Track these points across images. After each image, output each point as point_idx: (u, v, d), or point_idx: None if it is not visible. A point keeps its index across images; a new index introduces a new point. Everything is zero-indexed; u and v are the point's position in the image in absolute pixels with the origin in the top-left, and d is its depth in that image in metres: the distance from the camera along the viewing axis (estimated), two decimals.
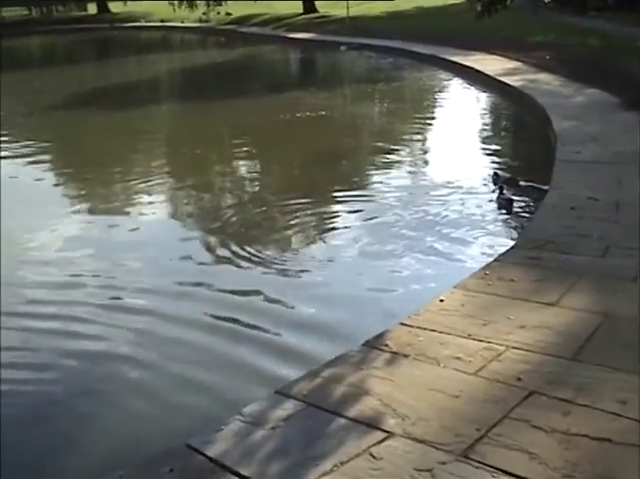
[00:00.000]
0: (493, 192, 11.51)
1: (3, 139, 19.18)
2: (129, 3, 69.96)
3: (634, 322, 5.93)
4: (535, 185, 11.47)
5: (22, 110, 23.65)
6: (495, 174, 12.62)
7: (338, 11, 46.54)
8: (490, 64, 24.16)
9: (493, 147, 15.80)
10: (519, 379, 5.14)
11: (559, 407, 4.78)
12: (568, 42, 25.32)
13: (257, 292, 8.57)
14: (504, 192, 11.23)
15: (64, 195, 13.95)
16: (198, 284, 8.96)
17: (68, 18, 66.54)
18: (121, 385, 6.87)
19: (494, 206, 11.23)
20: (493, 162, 14.11)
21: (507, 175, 12.64)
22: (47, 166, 16.10)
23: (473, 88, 23.29)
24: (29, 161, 16.24)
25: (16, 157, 16.93)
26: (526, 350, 5.55)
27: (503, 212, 10.91)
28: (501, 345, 5.65)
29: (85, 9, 70.69)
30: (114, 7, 71.23)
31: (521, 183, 12.02)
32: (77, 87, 28.70)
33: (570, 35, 27.24)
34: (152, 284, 9.04)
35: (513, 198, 11.08)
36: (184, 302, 8.49)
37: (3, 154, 17.11)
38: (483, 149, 15.40)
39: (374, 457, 4.40)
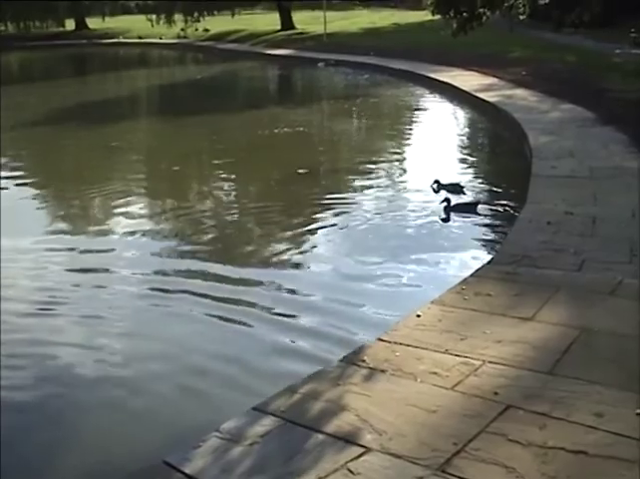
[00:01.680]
0: (442, 203, 11.63)
1: None
2: (107, 19, 69.95)
3: (610, 336, 5.98)
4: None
5: (1, 126, 23.53)
6: (437, 181, 12.81)
7: (316, 27, 46.71)
8: (467, 80, 24.31)
9: (469, 162, 15.86)
10: (496, 394, 5.16)
11: (536, 421, 4.80)
12: (545, 58, 25.52)
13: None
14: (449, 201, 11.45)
15: (39, 209, 13.86)
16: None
17: (45, 34, 66.33)
18: None
19: (470, 219, 11.31)
20: (469, 176, 14.19)
21: (452, 182, 12.99)
22: (23, 180, 15.96)
23: (449, 104, 23.43)
24: (5, 175, 16.12)
25: None
26: (503, 365, 5.57)
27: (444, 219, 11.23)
28: (478, 360, 5.67)
29: (62, 25, 70.44)
30: (91, 23, 71.01)
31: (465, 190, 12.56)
32: (55, 103, 28.59)
33: (547, 51, 27.47)
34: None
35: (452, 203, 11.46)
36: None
37: None
38: (460, 164, 15.45)
39: (352, 472, 4.41)
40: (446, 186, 12.85)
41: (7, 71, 48.95)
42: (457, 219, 11.36)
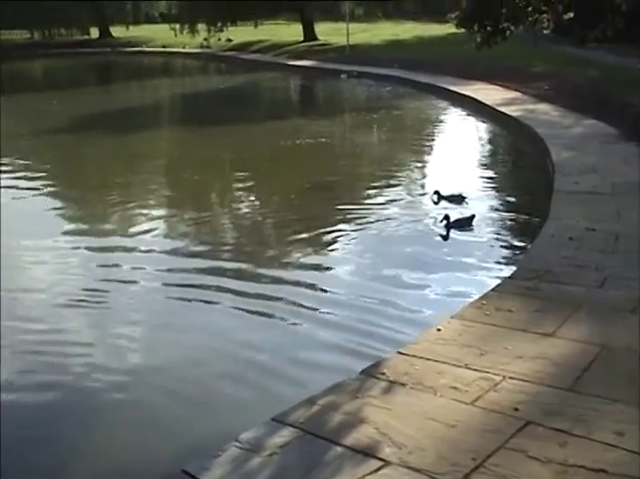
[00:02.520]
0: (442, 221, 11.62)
1: (4, 161, 19.26)
2: (130, 28, 70.24)
3: (632, 353, 5.95)
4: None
5: (24, 133, 23.67)
6: (437, 192, 12.94)
7: (338, 39, 46.76)
8: (490, 94, 24.27)
9: (492, 177, 15.83)
10: (516, 409, 5.14)
11: (556, 438, 4.78)
12: (568, 72, 25.47)
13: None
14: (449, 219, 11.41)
15: (62, 217, 13.93)
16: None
17: (70, 42, 66.60)
18: None
19: (492, 234, 11.31)
20: (492, 191, 14.19)
21: (454, 193, 13.11)
22: (46, 188, 16.05)
23: (471, 117, 23.38)
24: (29, 185, 16.22)
25: (16, 178, 16.98)
26: (523, 381, 5.56)
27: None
28: (498, 375, 5.65)
29: (87, 33, 70.84)
30: (115, 32, 71.37)
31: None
32: (79, 110, 28.72)
33: (570, 65, 27.41)
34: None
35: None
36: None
37: (5, 176, 17.13)
38: (482, 178, 15.41)
39: None
40: (446, 197, 13.02)
41: (32, 78, 49.41)
42: (479, 233, 11.36)
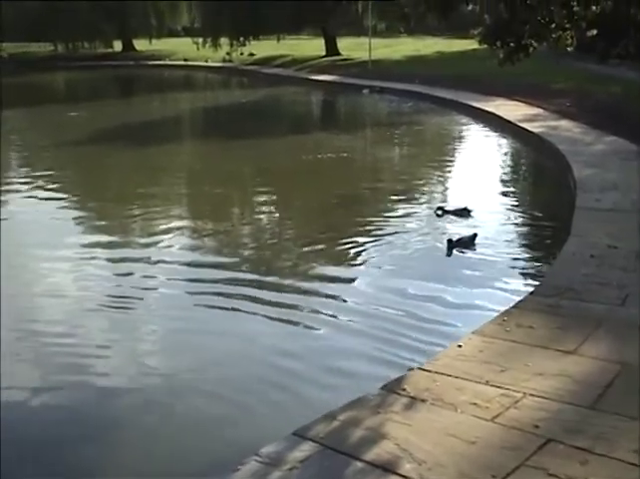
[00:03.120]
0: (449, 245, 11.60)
1: (26, 172, 19.43)
2: (153, 41, 70.54)
3: None
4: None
5: (47, 144, 23.83)
6: (440, 208, 13.20)
7: (360, 54, 46.84)
8: (511, 110, 24.26)
9: (514, 193, 15.82)
10: (537, 427, 5.14)
11: (577, 456, 4.77)
12: (590, 89, 25.43)
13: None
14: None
15: (84, 228, 14.01)
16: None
17: (93, 55, 66.99)
18: None
19: (513, 250, 11.32)
20: (512, 207, 14.16)
21: (459, 207, 13.27)
22: (68, 199, 16.15)
23: (493, 133, 23.38)
24: (51, 196, 16.33)
25: (38, 188, 17.16)
26: (544, 398, 5.55)
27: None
28: (519, 392, 5.65)
29: (110, 46, 71.19)
30: (138, 45, 71.73)
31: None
32: (101, 123, 28.87)
33: (591, 82, 27.37)
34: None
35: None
36: None
37: (25, 187, 17.27)
38: (503, 194, 15.41)
39: None
40: (451, 211, 13.20)
41: (55, 90, 49.69)
42: (500, 249, 11.36)
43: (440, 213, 13.22)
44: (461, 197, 14.98)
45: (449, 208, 13.35)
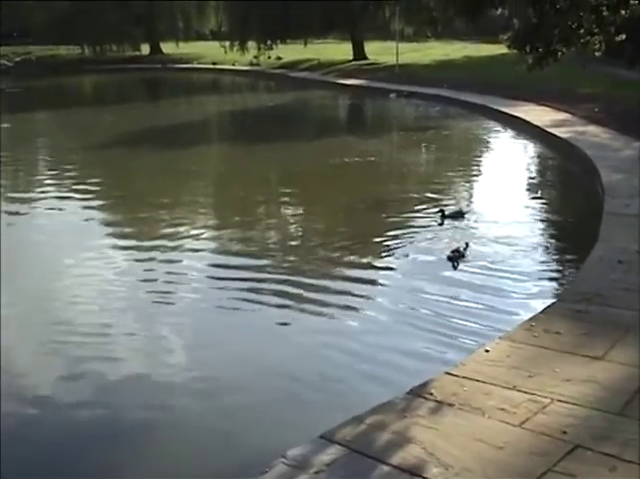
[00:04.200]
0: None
1: (55, 174, 19.56)
2: (181, 45, 70.80)
3: None
4: None
5: (75, 146, 23.97)
6: (441, 211, 13.35)
7: (387, 58, 46.78)
8: (539, 115, 24.16)
9: (542, 198, 15.74)
10: (564, 433, 5.12)
11: (605, 462, 4.75)
12: (618, 94, 25.29)
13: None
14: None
15: (112, 229, 14.08)
16: None
17: (120, 58, 67.25)
18: None
19: (541, 256, 11.29)
20: (540, 212, 14.13)
21: (455, 209, 13.57)
22: (95, 201, 16.23)
23: (521, 138, 23.31)
24: (78, 197, 16.44)
25: (63, 188, 17.37)
26: (572, 404, 5.53)
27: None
28: (547, 398, 5.63)
29: (138, 49, 71.47)
30: (166, 48, 72.00)
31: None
32: (128, 126, 29.04)
33: (619, 87, 27.22)
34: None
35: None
36: None
37: (54, 189, 17.44)
38: (532, 199, 15.36)
39: None
40: (449, 215, 13.34)
41: (83, 93, 49.96)
42: (528, 254, 11.32)
43: (440, 219, 13.26)
44: (488, 201, 14.98)
45: (447, 212, 13.47)
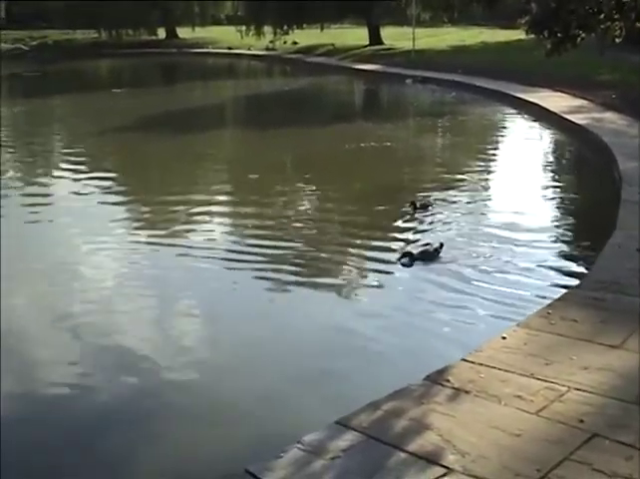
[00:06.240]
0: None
1: (72, 158, 19.59)
2: (197, 29, 70.72)
3: None
4: None
5: (91, 130, 23.99)
6: (412, 203, 13.09)
7: (404, 44, 46.59)
8: (556, 101, 24.06)
9: (557, 185, 15.69)
10: (582, 421, 5.10)
11: (622, 451, 4.73)
12: (635, 81, 25.12)
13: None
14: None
15: (127, 215, 14.10)
16: None
17: (136, 42, 67.20)
18: None
19: (558, 243, 11.26)
20: (557, 199, 14.07)
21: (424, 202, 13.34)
22: (110, 186, 16.24)
23: (537, 125, 23.21)
24: (94, 183, 16.46)
25: (80, 172, 17.44)
26: (589, 392, 5.51)
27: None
28: (564, 386, 5.61)
29: (154, 34, 71.41)
30: (182, 33, 71.91)
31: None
32: (144, 110, 29.01)
33: (637, 74, 27.02)
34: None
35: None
36: None
37: (70, 173, 17.50)
38: (547, 186, 15.29)
39: None
40: (419, 207, 13.04)
41: (99, 78, 50.01)
42: (545, 241, 11.28)
43: (411, 210, 12.97)
44: (504, 188, 14.94)
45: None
